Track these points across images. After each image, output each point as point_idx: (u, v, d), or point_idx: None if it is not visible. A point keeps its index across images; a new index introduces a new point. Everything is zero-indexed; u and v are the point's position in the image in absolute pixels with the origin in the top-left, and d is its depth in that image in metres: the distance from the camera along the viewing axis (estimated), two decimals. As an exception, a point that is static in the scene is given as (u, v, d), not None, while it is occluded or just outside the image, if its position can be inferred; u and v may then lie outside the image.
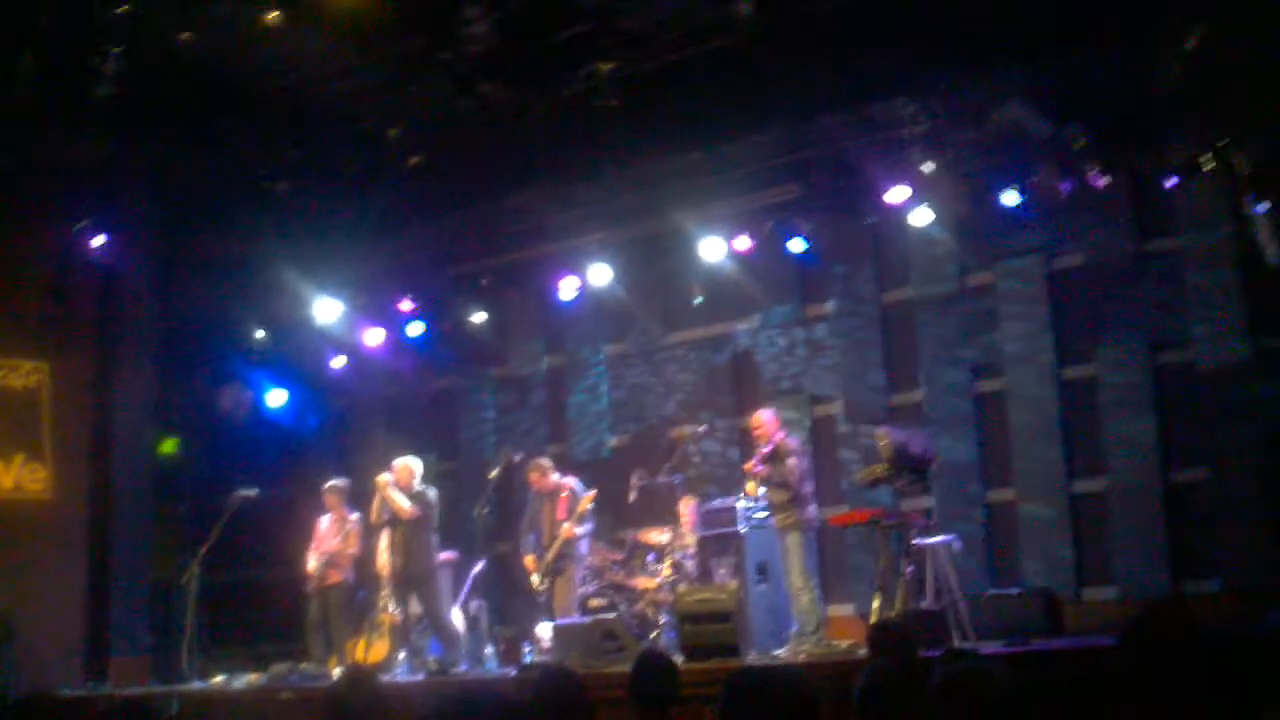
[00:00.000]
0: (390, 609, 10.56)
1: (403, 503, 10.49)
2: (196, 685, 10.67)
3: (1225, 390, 9.83)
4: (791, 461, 9.58)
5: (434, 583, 10.65)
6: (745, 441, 11.16)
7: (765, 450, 9.73)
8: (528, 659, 10.02)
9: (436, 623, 10.60)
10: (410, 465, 10.79)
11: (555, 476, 10.77)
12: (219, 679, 10.82)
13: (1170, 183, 9.64)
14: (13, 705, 3.36)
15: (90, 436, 12.65)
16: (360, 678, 4.14)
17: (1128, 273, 10.43)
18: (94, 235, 12.08)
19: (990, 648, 7.80)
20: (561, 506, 10.54)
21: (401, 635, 10.60)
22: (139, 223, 12.36)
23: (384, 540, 10.71)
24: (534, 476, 10.79)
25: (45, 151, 10.95)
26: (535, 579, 10.56)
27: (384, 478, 10.61)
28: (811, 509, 9.73)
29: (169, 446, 13.32)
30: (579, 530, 10.44)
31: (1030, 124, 9.61)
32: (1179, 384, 10.17)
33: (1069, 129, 9.51)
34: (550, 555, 10.45)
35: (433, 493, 10.78)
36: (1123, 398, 10.32)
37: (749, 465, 9.94)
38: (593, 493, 10.52)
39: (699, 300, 11.88)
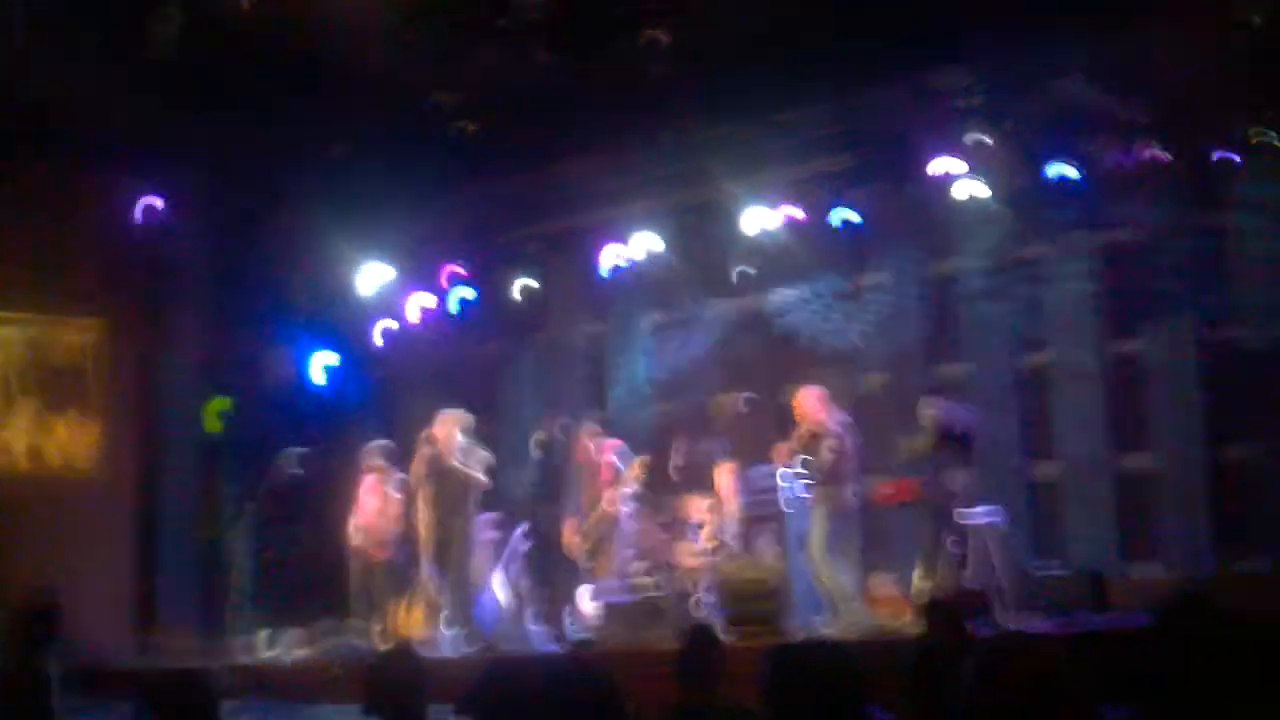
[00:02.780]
0: (427, 572, 10.49)
1: (478, 475, 10.34)
2: (247, 660, 10.67)
3: (1275, 367, 9.70)
4: (826, 446, 9.45)
5: (467, 544, 10.53)
6: (786, 415, 11.12)
7: (800, 433, 9.64)
8: (569, 628, 10.04)
9: (457, 584, 10.42)
10: (457, 417, 10.51)
11: (600, 443, 10.77)
12: (272, 652, 10.87)
13: (1230, 159, 9.49)
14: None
15: (139, 397, 12.81)
16: (402, 655, 4.20)
17: (1180, 248, 10.29)
18: (147, 198, 12.21)
19: (1035, 624, 7.76)
20: (605, 473, 10.55)
21: (440, 599, 10.56)
22: (191, 187, 12.46)
23: (423, 498, 10.50)
24: (581, 442, 10.79)
25: (100, 115, 11.04)
26: (575, 546, 10.55)
27: (443, 447, 10.42)
28: (847, 490, 9.52)
29: (218, 407, 13.44)
30: (625, 491, 10.43)
31: (1088, 97, 9.47)
32: (1228, 360, 10.06)
33: (1128, 103, 9.38)
34: (592, 522, 10.47)
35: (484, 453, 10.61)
36: (1171, 373, 10.23)
37: (777, 452, 9.80)
38: (641, 460, 10.51)
39: (747, 269, 11.80)
